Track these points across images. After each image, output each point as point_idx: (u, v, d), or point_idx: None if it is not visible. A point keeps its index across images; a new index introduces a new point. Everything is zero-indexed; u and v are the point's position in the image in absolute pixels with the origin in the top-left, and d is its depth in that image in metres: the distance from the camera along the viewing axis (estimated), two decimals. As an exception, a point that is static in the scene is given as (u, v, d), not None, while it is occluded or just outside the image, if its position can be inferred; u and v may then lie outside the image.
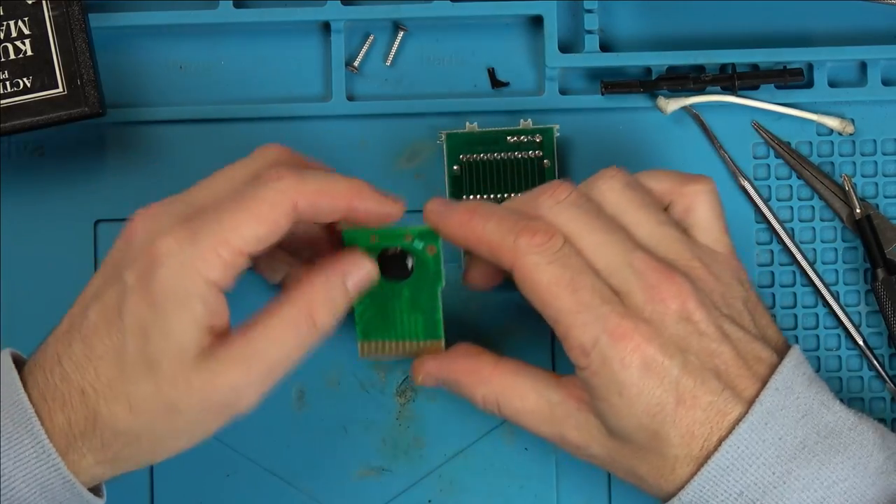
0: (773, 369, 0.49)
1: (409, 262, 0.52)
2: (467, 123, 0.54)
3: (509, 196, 0.55)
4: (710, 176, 0.52)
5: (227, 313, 0.48)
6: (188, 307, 0.47)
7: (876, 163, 0.58)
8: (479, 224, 0.49)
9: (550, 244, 0.48)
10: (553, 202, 0.50)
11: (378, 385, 0.58)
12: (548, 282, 0.48)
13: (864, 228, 0.57)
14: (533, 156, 0.54)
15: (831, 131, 0.58)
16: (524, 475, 0.58)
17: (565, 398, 0.51)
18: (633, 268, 0.48)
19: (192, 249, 0.46)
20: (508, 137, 0.54)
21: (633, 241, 0.49)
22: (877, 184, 0.58)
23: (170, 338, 0.47)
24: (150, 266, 0.47)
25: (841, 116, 0.58)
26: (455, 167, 0.56)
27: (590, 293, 0.48)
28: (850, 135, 0.58)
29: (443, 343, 0.53)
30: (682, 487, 0.49)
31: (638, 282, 0.48)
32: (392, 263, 0.51)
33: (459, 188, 0.56)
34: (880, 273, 0.56)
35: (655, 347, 0.47)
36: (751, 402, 0.48)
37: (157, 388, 0.47)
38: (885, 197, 0.58)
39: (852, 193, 0.57)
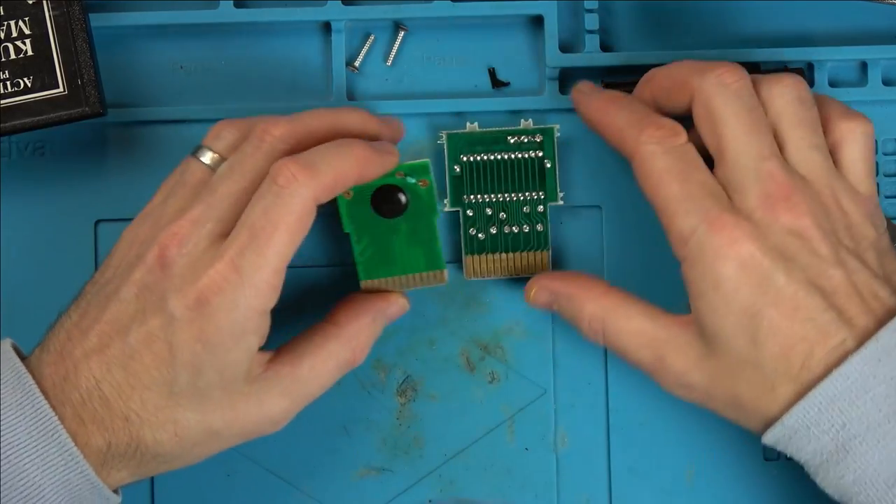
0: (890, 312, 0.48)
1: (403, 198, 0.52)
2: (468, 124, 0.54)
3: (510, 196, 0.55)
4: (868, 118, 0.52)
5: (269, 326, 0.49)
6: (243, 342, 0.48)
7: (876, 163, 0.58)
8: (614, 111, 0.51)
9: (672, 139, 0.49)
10: (718, 82, 0.50)
11: (378, 385, 0.58)
12: (660, 169, 0.49)
13: None
14: (534, 156, 0.54)
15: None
16: (524, 475, 0.58)
17: (670, 323, 0.51)
18: (759, 172, 0.48)
19: (241, 287, 0.47)
20: (509, 138, 0.54)
21: (773, 150, 0.49)
22: (877, 184, 0.58)
23: (224, 373, 0.48)
24: (199, 303, 0.47)
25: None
26: (456, 167, 0.56)
27: (698, 185, 0.48)
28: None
29: (445, 272, 0.54)
30: (784, 410, 0.48)
31: (756, 185, 0.48)
32: (386, 201, 0.52)
33: (460, 188, 0.56)
34: None
35: (756, 246, 0.47)
36: (861, 333, 0.47)
37: (203, 415, 0.48)
38: (886, 197, 0.58)
39: None
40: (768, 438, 0.49)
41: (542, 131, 0.54)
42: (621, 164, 0.55)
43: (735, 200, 0.49)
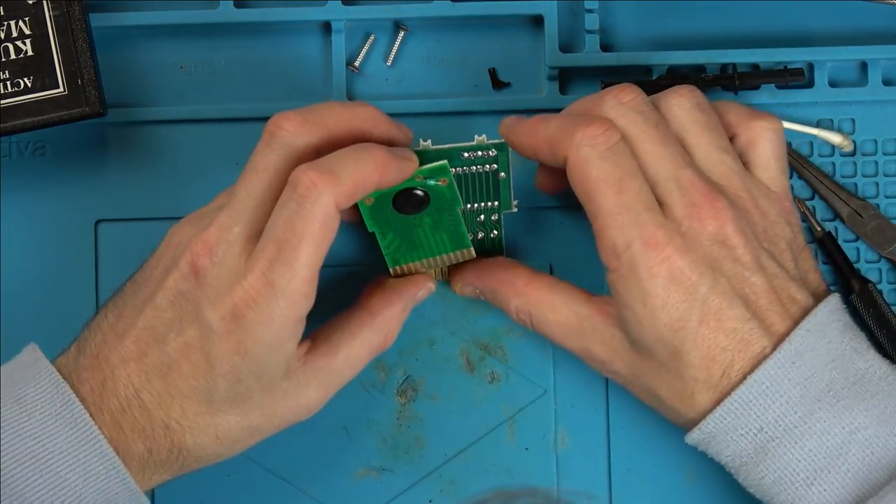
0: (806, 312, 0.49)
1: (423, 195, 0.52)
2: (420, 141, 0.53)
3: (467, 208, 0.55)
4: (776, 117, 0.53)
5: (305, 324, 0.49)
6: (281, 350, 0.48)
7: (876, 163, 0.59)
8: (542, 127, 0.50)
9: (605, 137, 0.49)
10: (616, 102, 0.50)
11: (378, 385, 0.58)
12: (596, 177, 0.48)
13: (828, 247, 0.57)
14: (489, 169, 0.54)
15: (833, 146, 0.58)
16: (524, 475, 0.58)
17: (594, 313, 0.52)
18: (679, 182, 0.49)
19: (275, 299, 0.47)
20: (463, 153, 0.54)
21: (686, 159, 0.50)
22: (877, 184, 0.58)
23: (263, 378, 0.48)
24: (235, 317, 0.47)
25: (841, 131, 0.58)
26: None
27: (635, 196, 0.48)
28: (848, 152, 0.58)
29: (472, 250, 0.54)
30: (702, 416, 0.49)
31: (681, 197, 0.49)
32: (408, 201, 0.52)
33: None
34: (855, 284, 0.57)
35: (686, 262, 0.48)
36: (779, 339, 0.48)
37: (244, 416, 0.49)
38: (886, 197, 0.58)
39: (809, 216, 0.58)
40: (689, 440, 0.50)
41: (497, 146, 0.54)
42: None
43: (664, 212, 0.49)
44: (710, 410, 0.49)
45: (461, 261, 0.55)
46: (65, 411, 0.47)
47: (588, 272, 0.56)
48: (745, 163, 0.52)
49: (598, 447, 0.58)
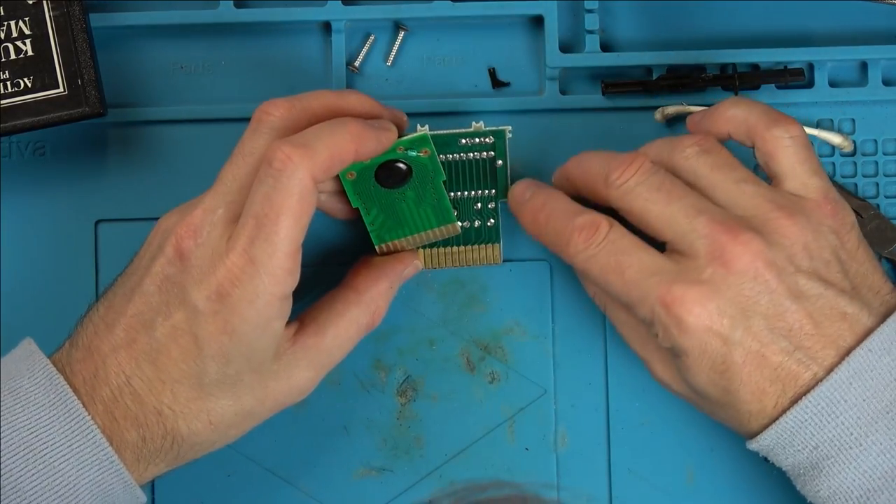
0: (861, 326, 0.48)
1: (405, 167, 0.52)
2: (418, 126, 0.54)
3: (462, 194, 0.55)
4: (793, 119, 0.52)
5: (291, 304, 0.49)
6: (268, 329, 0.48)
7: (876, 163, 0.59)
8: (543, 221, 0.52)
9: (594, 238, 0.50)
10: (620, 183, 0.51)
11: (378, 385, 0.58)
12: (599, 272, 0.50)
13: None
14: (486, 156, 0.54)
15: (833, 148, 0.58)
16: (524, 475, 0.58)
17: None
18: (698, 233, 0.48)
19: (258, 276, 0.47)
20: (461, 140, 0.54)
21: (698, 207, 0.49)
22: (877, 184, 0.58)
23: (252, 359, 0.48)
24: (220, 296, 0.47)
25: (841, 131, 0.58)
26: None
27: (636, 270, 0.49)
28: (848, 152, 0.58)
29: (457, 225, 0.55)
30: (759, 432, 0.49)
31: (703, 245, 0.48)
32: (389, 174, 0.52)
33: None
34: None
35: (712, 309, 0.48)
36: (830, 364, 0.48)
37: (236, 400, 0.49)
38: (886, 197, 0.58)
39: None
40: (750, 447, 0.50)
41: (494, 133, 0.54)
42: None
43: (690, 268, 0.49)
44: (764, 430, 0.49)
45: (446, 237, 0.55)
46: (59, 402, 0.47)
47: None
48: (772, 175, 0.51)
49: (598, 447, 0.58)
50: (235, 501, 0.58)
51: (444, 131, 0.54)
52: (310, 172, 0.47)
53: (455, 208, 0.55)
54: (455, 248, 0.56)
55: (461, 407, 0.58)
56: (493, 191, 0.55)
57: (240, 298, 0.47)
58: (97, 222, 0.58)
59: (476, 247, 0.57)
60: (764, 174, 0.52)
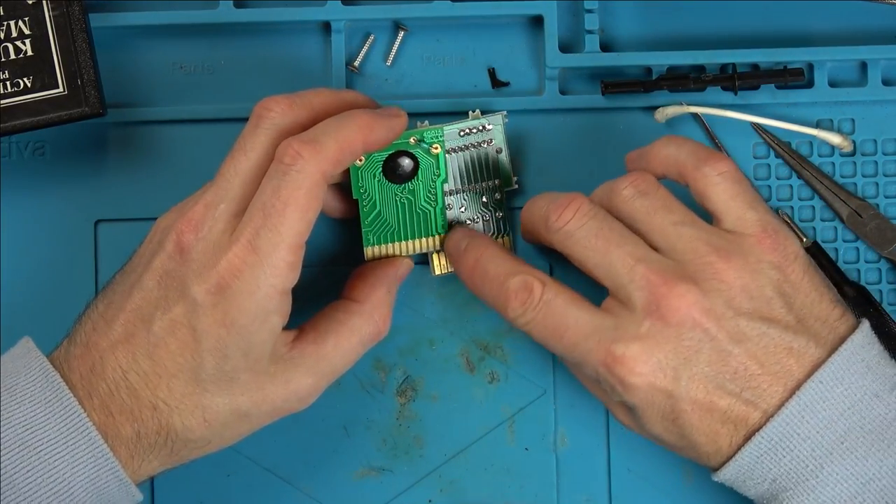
0: (807, 359, 0.48)
1: (412, 164, 0.53)
2: (418, 123, 0.54)
3: (468, 188, 0.55)
4: (722, 155, 0.51)
5: (290, 305, 0.49)
6: (267, 323, 0.48)
7: (876, 163, 0.58)
8: (478, 282, 0.53)
9: (529, 301, 0.50)
10: (557, 228, 0.51)
11: (378, 385, 0.58)
12: (539, 335, 0.51)
13: (817, 256, 0.57)
14: (487, 146, 0.55)
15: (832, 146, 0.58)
16: (524, 475, 0.58)
17: None
18: (634, 283, 0.49)
19: (260, 267, 0.47)
20: (461, 131, 0.55)
21: (636, 254, 0.49)
22: (877, 184, 0.58)
23: (248, 355, 0.48)
24: (220, 288, 0.47)
25: (841, 131, 0.58)
26: None
27: (574, 333, 0.50)
28: (847, 153, 0.58)
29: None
30: (719, 468, 0.50)
31: (640, 297, 0.49)
32: (396, 167, 0.53)
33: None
34: (849, 291, 0.57)
35: (653, 365, 0.48)
36: (778, 400, 0.48)
37: (232, 399, 0.49)
38: (886, 197, 0.58)
39: (793, 225, 0.58)
40: (715, 479, 0.50)
41: (493, 120, 0.55)
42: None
43: (625, 317, 0.49)
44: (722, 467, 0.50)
45: (433, 248, 0.55)
46: (54, 399, 0.47)
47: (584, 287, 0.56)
48: (710, 214, 0.51)
49: (598, 447, 0.58)
50: (235, 501, 0.58)
51: (445, 125, 0.54)
52: (319, 167, 0.48)
53: (462, 204, 0.55)
54: None
55: (461, 407, 0.58)
56: (498, 181, 0.55)
57: (239, 290, 0.47)
58: (97, 222, 0.58)
59: None
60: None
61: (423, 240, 0.55)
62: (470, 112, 0.55)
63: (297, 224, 0.47)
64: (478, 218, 0.56)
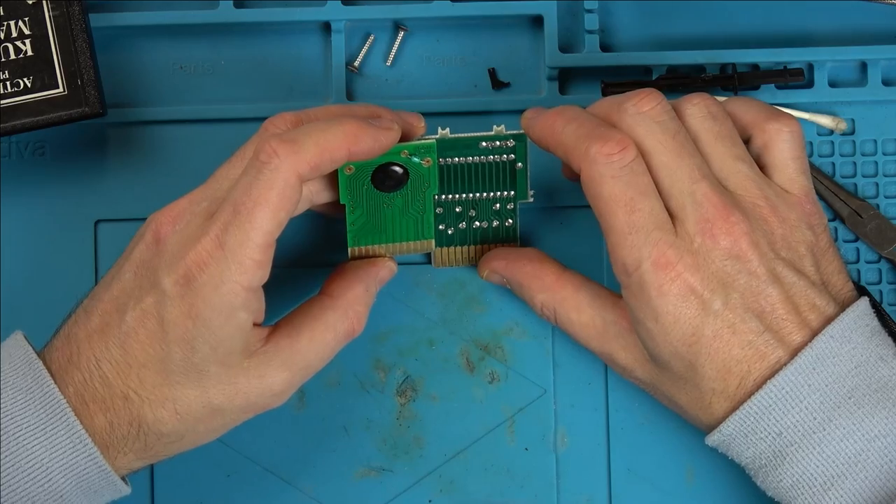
0: (827, 318, 0.49)
1: (402, 173, 0.53)
2: (439, 129, 0.54)
3: (481, 195, 0.55)
4: (794, 117, 0.52)
5: (263, 303, 0.49)
6: (233, 318, 0.48)
7: (876, 163, 0.59)
8: (560, 127, 0.50)
9: (620, 156, 0.49)
10: (636, 111, 0.50)
11: (378, 385, 0.58)
12: (608, 196, 0.49)
13: None
14: (506, 159, 0.54)
15: (832, 132, 0.58)
16: (524, 475, 0.58)
17: (618, 318, 0.52)
18: (694, 197, 0.49)
19: (225, 261, 0.47)
20: (482, 143, 0.54)
21: (703, 171, 0.49)
22: (877, 184, 0.58)
23: (217, 348, 0.48)
24: (188, 279, 0.47)
25: (834, 114, 0.58)
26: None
27: (646, 216, 0.48)
28: (844, 132, 0.58)
29: (432, 242, 0.55)
30: (719, 422, 0.49)
31: (694, 212, 0.48)
32: (386, 176, 0.53)
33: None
34: None
35: (697, 279, 0.48)
36: (797, 348, 0.48)
37: (203, 391, 0.49)
38: (886, 197, 0.58)
39: None
40: (709, 442, 0.50)
41: (515, 137, 0.54)
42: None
43: (677, 227, 0.49)
44: (727, 416, 0.49)
45: (419, 252, 0.55)
46: (35, 387, 0.48)
47: (596, 270, 0.56)
48: (762, 166, 0.51)
49: (598, 447, 0.58)
50: (235, 501, 0.58)
51: (466, 134, 0.53)
52: (294, 168, 0.47)
53: (473, 208, 0.55)
54: (472, 248, 0.56)
55: (461, 407, 0.58)
56: (513, 192, 0.55)
57: (205, 283, 0.47)
58: (97, 222, 0.58)
59: (494, 245, 0.57)
60: None
61: (410, 244, 0.55)
62: (494, 126, 0.54)
63: (266, 223, 0.47)
64: (486, 222, 0.56)
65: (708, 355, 0.48)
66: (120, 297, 0.49)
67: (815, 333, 0.48)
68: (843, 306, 0.50)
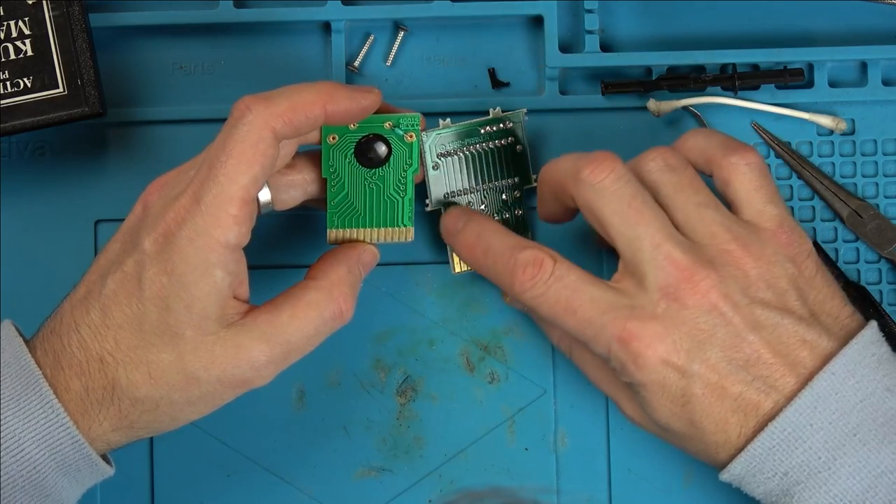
0: (822, 351, 0.48)
1: (385, 150, 0.53)
2: (440, 121, 0.54)
3: (488, 187, 0.56)
4: (751, 147, 0.51)
5: (246, 275, 0.49)
6: (208, 276, 0.48)
7: (876, 163, 0.59)
8: (480, 256, 0.52)
9: (540, 276, 0.50)
10: (591, 182, 0.50)
11: (378, 385, 0.58)
12: (549, 311, 0.50)
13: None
14: (507, 143, 0.55)
15: (832, 132, 0.58)
16: (524, 475, 0.58)
17: None
18: (656, 262, 0.48)
19: (201, 215, 0.47)
20: (481, 128, 0.55)
21: (664, 232, 0.49)
22: (877, 184, 0.58)
23: (192, 308, 0.48)
24: (166, 236, 0.48)
25: (834, 114, 0.58)
26: (433, 165, 0.56)
27: (588, 308, 0.49)
28: (844, 132, 0.58)
29: (411, 230, 0.54)
30: (727, 463, 0.49)
31: (656, 278, 0.48)
32: (369, 150, 0.53)
33: (440, 187, 0.56)
34: (849, 292, 0.56)
35: (666, 346, 0.48)
36: (790, 391, 0.48)
37: (178, 356, 0.48)
38: (886, 197, 0.58)
39: None
40: (721, 479, 0.50)
41: (510, 117, 0.55)
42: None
43: (640, 297, 0.49)
44: (735, 459, 0.49)
45: (398, 241, 0.54)
46: (14, 361, 0.48)
47: (596, 270, 0.56)
48: (728, 203, 0.51)
49: (598, 447, 0.58)
50: (235, 501, 0.58)
51: (466, 122, 0.55)
52: (266, 121, 0.48)
53: (482, 203, 0.55)
54: None
55: (461, 407, 0.58)
56: (517, 178, 0.56)
57: (181, 237, 0.47)
58: (97, 222, 0.58)
59: None
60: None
61: (389, 230, 0.54)
62: (490, 110, 0.55)
63: (241, 177, 0.47)
64: (497, 216, 0.56)
65: (703, 411, 0.48)
66: (104, 266, 0.49)
67: (810, 370, 0.48)
68: (841, 333, 0.49)
